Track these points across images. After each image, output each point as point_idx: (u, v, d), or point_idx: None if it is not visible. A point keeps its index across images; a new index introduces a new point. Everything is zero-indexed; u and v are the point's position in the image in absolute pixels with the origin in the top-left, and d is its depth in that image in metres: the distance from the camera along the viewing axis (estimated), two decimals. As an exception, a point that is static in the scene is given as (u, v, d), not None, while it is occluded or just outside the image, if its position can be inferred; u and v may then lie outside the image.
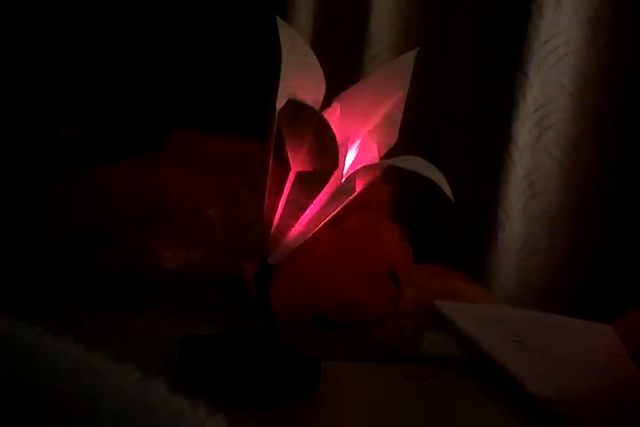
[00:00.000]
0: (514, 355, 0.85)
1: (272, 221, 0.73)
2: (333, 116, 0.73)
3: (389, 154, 0.74)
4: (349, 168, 0.73)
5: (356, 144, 0.74)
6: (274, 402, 0.71)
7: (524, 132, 1.11)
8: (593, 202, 1.12)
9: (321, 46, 1.19)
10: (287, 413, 0.70)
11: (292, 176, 0.72)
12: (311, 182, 0.71)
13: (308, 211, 0.73)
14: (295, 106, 0.68)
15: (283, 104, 0.70)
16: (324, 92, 0.73)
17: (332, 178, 0.71)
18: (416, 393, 0.79)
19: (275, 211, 0.73)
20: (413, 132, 1.10)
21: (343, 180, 0.71)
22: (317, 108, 0.72)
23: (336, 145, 0.68)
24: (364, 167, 0.71)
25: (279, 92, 0.71)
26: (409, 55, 0.75)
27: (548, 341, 0.90)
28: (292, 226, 0.73)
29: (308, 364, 0.75)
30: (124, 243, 0.93)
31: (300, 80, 0.72)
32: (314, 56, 0.73)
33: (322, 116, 0.69)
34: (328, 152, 0.69)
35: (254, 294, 0.76)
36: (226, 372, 0.73)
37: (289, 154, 0.71)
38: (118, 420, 0.43)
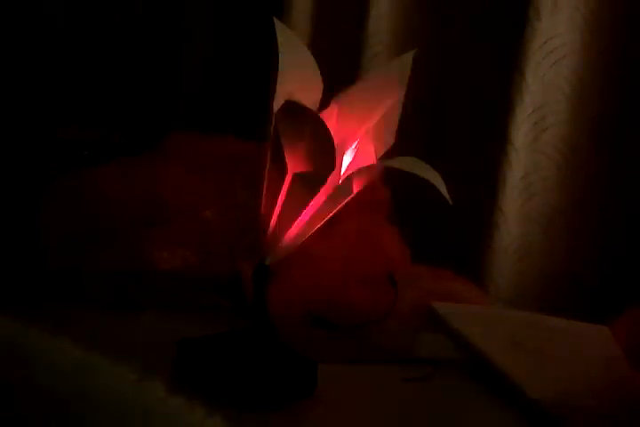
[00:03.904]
0: (511, 356, 0.85)
1: (269, 223, 0.73)
2: (331, 116, 0.73)
3: (387, 155, 0.74)
4: (347, 169, 0.73)
5: (354, 145, 0.74)
6: (271, 403, 0.71)
7: (521, 134, 1.11)
8: (590, 203, 1.12)
9: (318, 47, 1.19)
10: (285, 414, 0.70)
11: (289, 177, 0.72)
12: (308, 183, 0.71)
13: (305, 212, 0.73)
14: (293, 107, 0.68)
15: (280, 105, 0.69)
16: (321, 93, 0.73)
17: (330, 179, 0.71)
18: (413, 395, 0.79)
19: (272, 212, 0.73)
20: (411, 134, 1.11)
21: (341, 181, 0.71)
22: (315, 108, 0.72)
23: (333, 146, 0.68)
24: (362, 168, 0.71)
25: (276, 93, 0.71)
26: (407, 56, 0.75)
27: (546, 343, 0.90)
28: (290, 227, 0.73)
29: (305, 365, 0.75)
30: (122, 244, 0.93)
31: (298, 81, 0.72)
32: (311, 57, 0.73)
33: (319, 117, 0.69)
34: (325, 153, 0.69)
35: (251, 295, 0.76)
36: (223, 373, 0.73)
37: (286, 155, 0.71)
38: (116, 420, 0.43)
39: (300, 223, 0.73)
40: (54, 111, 1.36)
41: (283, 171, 0.72)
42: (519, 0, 1.09)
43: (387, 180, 0.98)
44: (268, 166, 0.73)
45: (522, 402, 0.76)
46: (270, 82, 0.72)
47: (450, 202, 0.68)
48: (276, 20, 0.72)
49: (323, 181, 0.71)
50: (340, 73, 0.96)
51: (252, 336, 0.77)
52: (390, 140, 0.74)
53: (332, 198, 0.72)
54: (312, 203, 0.72)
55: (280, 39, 0.72)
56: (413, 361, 0.85)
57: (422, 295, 0.99)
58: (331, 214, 0.73)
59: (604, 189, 1.12)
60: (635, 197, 1.10)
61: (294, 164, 0.71)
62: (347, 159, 0.73)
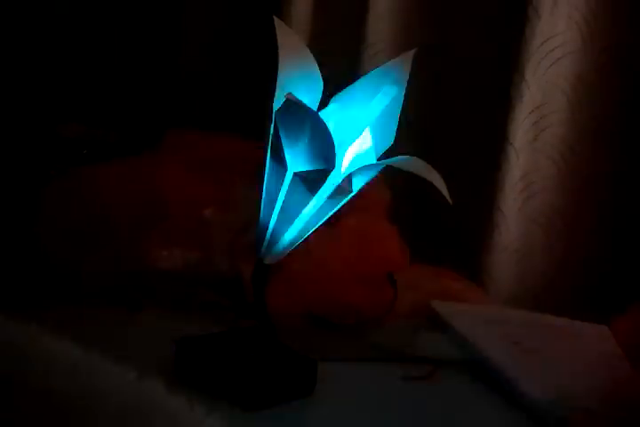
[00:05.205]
0: (511, 356, 0.85)
1: (269, 221, 0.73)
2: (331, 115, 0.73)
3: (387, 154, 0.74)
4: (347, 168, 0.73)
5: (354, 144, 0.73)
6: (271, 402, 0.71)
7: (520, 134, 1.10)
8: (590, 203, 1.12)
9: (318, 45, 1.19)
10: (284, 412, 0.70)
11: (289, 176, 0.72)
12: (308, 183, 0.71)
13: (305, 211, 0.73)
14: (292, 106, 0.68)
15: (280, 104, 0.69)
16: (321, 92, 0.73)
17: (330, 178, 0.71)
18: (413, 394, 0.79)
19: (272, 211, 0.73)
20: (411, 133, 1.11)
21: (341, 180, 0.71)
22: (315, 107, 0.72)
23: (333, 145, 0.68)
24: (362, 168, 0.71)
25: (276, 92, 0.71)
26: (407, 54, 0.75)
27: (546, 342, 0.90)
28: (289, 226, 0.73)
29: (304, 364, 0.75)
30: (121, 243, 0.93)
31: (298, 79, 0.71)
32: (311, 55, 0.73)
33: (319, 116, 0.69)
34: (325, 152, 0.69)
35: (251, 294, 0.76)
36: (223, 372, 0.72)
37: (286, 153, 0.71)
38: (116, 420, 0.43)
39: (299, 222, 0.73)
40: (54, 109, 1.36)
41: (282, 170, 0.72)
42: (518, -1, 1.09)
43: (386, 179, 0.98)
44: (267, 164, 0.73)
45: (521, 401, 0.76)
46: (270, 80, 0.72)
47: (450, 202, 0.68)
48: (275, 19, 0.72)
49: (322, 181, 0.71)
50: (340, 71, 0.96)
51: (251, 335, 0.77)
52: (390, 139, 0.74)
53: (331, 198, 0.72)
54: (312, 202, 0.72)
55: (280, 38, 0.71)
56: (413, 360, 0.85)
57: (422, 295, 1.00)
58: (330, 213, 0.73)
59: (604, 189, 1.12)
60: (635, 197, 1.10)
61: (294, 163, 0.71)
62: (347, 158, 0.73)
